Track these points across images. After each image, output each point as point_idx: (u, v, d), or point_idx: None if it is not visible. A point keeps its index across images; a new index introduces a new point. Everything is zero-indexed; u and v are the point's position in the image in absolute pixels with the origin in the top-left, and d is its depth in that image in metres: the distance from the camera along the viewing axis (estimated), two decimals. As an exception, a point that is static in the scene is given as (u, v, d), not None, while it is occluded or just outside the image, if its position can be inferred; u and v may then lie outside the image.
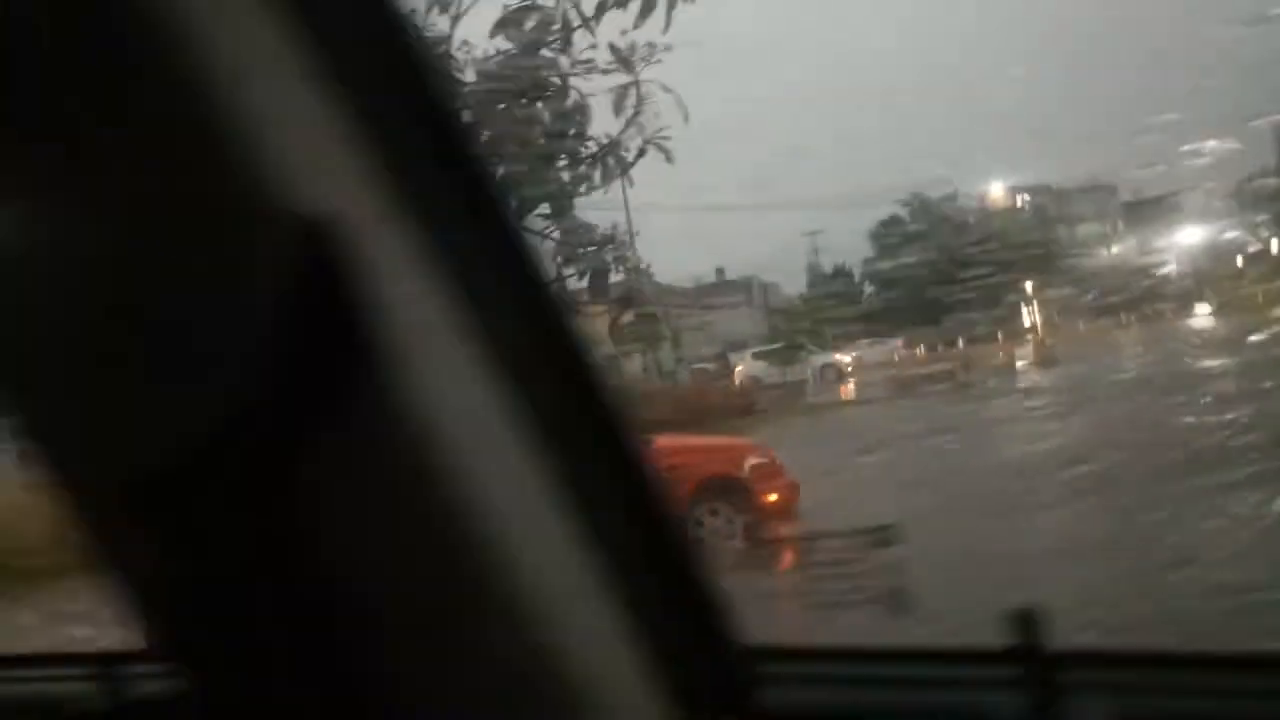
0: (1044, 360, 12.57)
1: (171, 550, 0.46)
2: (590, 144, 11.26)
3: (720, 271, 20.01)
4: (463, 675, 0.48)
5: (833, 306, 17.70)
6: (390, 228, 0.45)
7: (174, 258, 0.43)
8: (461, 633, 0.47)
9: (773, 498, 4.62)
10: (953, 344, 15.66)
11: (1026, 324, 15.32)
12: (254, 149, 0.40)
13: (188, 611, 0.47)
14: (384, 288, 0.43)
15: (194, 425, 0.45)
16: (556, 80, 10.97)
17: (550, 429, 0.48)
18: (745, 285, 20.58)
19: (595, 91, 10.99)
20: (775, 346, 15.66)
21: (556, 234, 11.03)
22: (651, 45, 3.90)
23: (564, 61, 10.71)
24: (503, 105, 10.71)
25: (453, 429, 0.46)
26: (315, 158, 0.43)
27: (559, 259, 10.64)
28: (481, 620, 0.47)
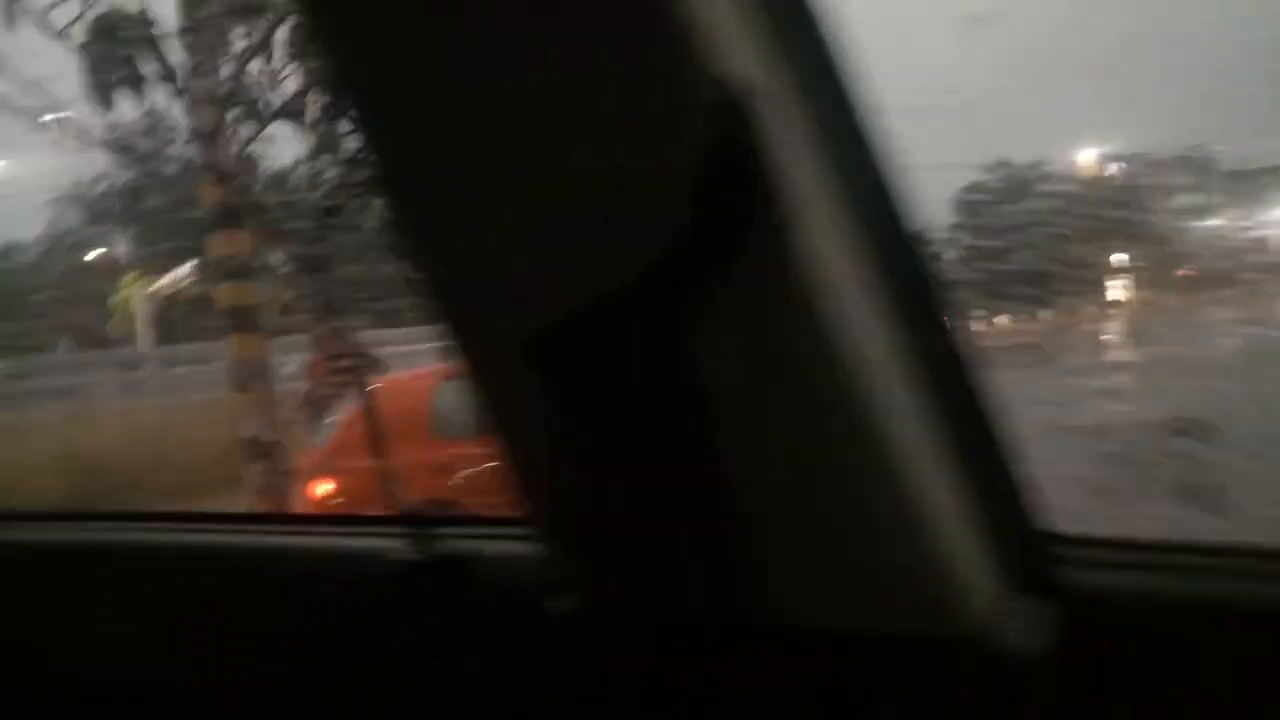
0: (1135, 334, 12.27)
1: (562, 405, 0.48)
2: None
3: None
4: (827, 550, 0.50)
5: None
6: (787, 104, 0.47)
7: (595, 119, 0.45)
8: (830, 507, 0.49)
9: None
10: (1035, 317, 15.32)
11: (1116, 297, 14.91)
12: (679, 25, 0.43)
13: (567, 473, 0.49)
14: (780, 158, 0.45)
15: (595, 283, 0.47)
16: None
17: (900, 314, 0.50)
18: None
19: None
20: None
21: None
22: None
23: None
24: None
25: (828, 298, 0.48)
26: (731, 34, 0.45)
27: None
28: (848, 494, 0.49)
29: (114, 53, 3.25)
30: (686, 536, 0.50)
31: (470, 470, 4.21)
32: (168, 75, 3.44)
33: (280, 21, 3.56)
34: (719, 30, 0.44)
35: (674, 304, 0.47)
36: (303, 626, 0.81)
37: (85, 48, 3.26)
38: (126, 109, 3.51)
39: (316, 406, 4.94)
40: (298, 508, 4.33)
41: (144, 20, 3.39)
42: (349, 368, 4.90)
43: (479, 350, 0.53)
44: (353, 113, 0.50)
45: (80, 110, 3.65)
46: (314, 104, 3.67)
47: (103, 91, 3.26)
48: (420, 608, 0.78)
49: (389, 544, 0.80)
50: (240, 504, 4.91)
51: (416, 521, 0.79)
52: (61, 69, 3.86)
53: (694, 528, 0.50)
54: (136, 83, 3.34)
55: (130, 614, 0.87)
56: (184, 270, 8.33)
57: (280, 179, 7.10)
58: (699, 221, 0.45)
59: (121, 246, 9.90)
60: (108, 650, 0.88)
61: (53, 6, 3.26)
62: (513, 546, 0.75)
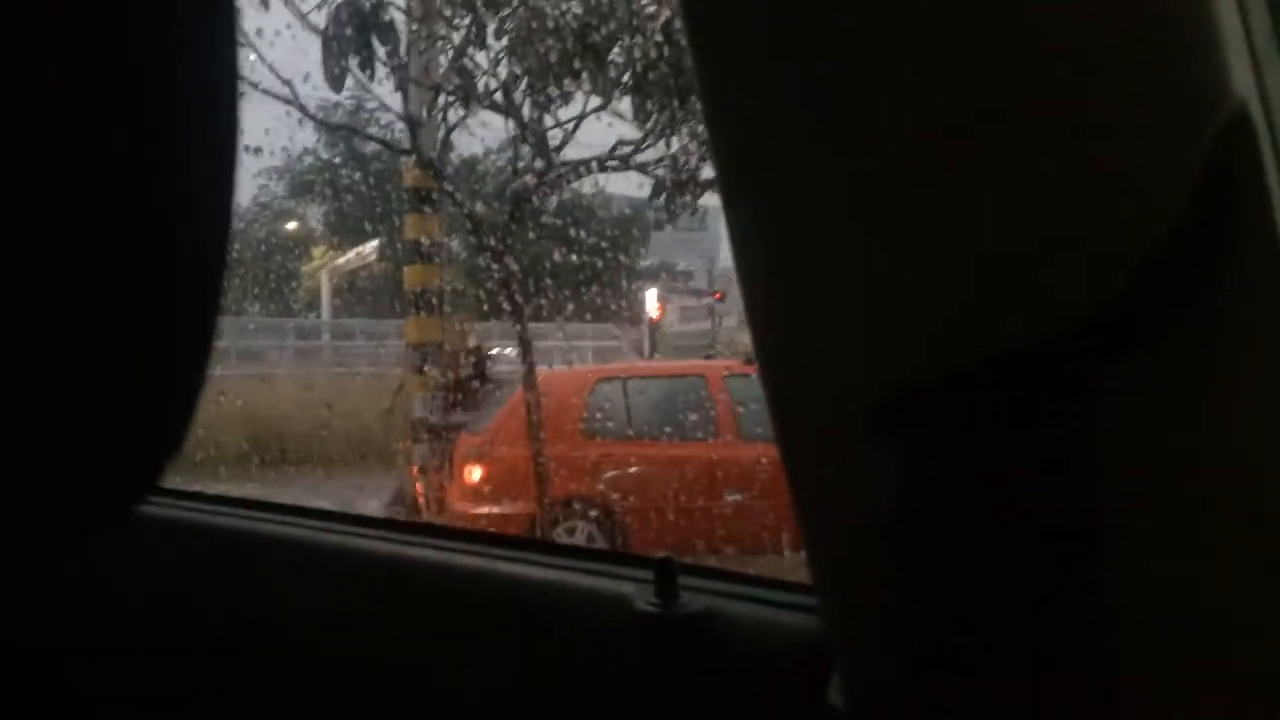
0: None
1: (911, 478, 0.42)
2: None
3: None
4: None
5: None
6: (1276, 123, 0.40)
7: (1048, 125, 0.39)
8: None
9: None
10: None
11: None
12: (1178, 27, 0.38)
13: (894, 556, 0.43)
14: (1270, 188, 0.39)
15: (995, 332, 0.40)
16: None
17: None
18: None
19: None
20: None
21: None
22: None
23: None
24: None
25: None
26: (1233, 44, 0.39)
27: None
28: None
29: (352, 38, 3.57)
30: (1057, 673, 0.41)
31: (616, 472, 4.32)
32: (395, 61, 3.75)
33: (498, 13, 3.80)
34: (1220, 39, 0.38)
35: (1077, 360, 0.39)
36: (528, 661, 0.78)
37: (327, 31, 3.61)
38: (340, 90, 3.85)
39: (459, 395, 5.19)
40: (453, 490, 4.57)
41: (382, 9, 3.72)
42: (473, 360, 5.11)
43: (816, 416, 0.45)
44: (715, 116, 0.46)
45: (301, 89, 4.03)
46: (519, 95, 3.89)
47: (337, 73, 3.60)
48: (662, 665, 0.72)
49: (629, 588, 0.75)
50: (390, 476, 5.22)
51: (663, 567, 0.73)
52: (278, 49, 4.28)
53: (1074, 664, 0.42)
54: (367, 67, 3.65)
55: (344, 619, 0.87)
56: (367, 248, 8.94)
57: (470, 165, 7.52)
58: (1168, 255, 0.37)
59: (316, 220, 10.75)
60: (309, 649, 0.87)
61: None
62: (771, 613, 0.71)
